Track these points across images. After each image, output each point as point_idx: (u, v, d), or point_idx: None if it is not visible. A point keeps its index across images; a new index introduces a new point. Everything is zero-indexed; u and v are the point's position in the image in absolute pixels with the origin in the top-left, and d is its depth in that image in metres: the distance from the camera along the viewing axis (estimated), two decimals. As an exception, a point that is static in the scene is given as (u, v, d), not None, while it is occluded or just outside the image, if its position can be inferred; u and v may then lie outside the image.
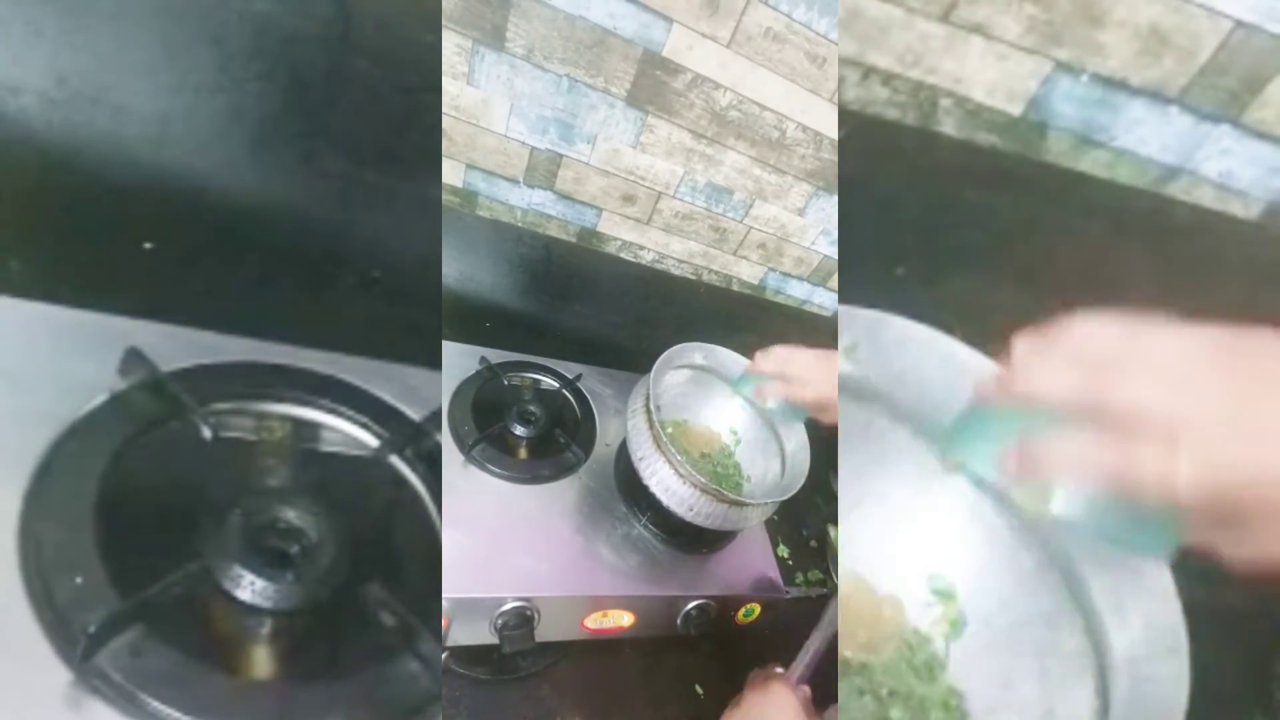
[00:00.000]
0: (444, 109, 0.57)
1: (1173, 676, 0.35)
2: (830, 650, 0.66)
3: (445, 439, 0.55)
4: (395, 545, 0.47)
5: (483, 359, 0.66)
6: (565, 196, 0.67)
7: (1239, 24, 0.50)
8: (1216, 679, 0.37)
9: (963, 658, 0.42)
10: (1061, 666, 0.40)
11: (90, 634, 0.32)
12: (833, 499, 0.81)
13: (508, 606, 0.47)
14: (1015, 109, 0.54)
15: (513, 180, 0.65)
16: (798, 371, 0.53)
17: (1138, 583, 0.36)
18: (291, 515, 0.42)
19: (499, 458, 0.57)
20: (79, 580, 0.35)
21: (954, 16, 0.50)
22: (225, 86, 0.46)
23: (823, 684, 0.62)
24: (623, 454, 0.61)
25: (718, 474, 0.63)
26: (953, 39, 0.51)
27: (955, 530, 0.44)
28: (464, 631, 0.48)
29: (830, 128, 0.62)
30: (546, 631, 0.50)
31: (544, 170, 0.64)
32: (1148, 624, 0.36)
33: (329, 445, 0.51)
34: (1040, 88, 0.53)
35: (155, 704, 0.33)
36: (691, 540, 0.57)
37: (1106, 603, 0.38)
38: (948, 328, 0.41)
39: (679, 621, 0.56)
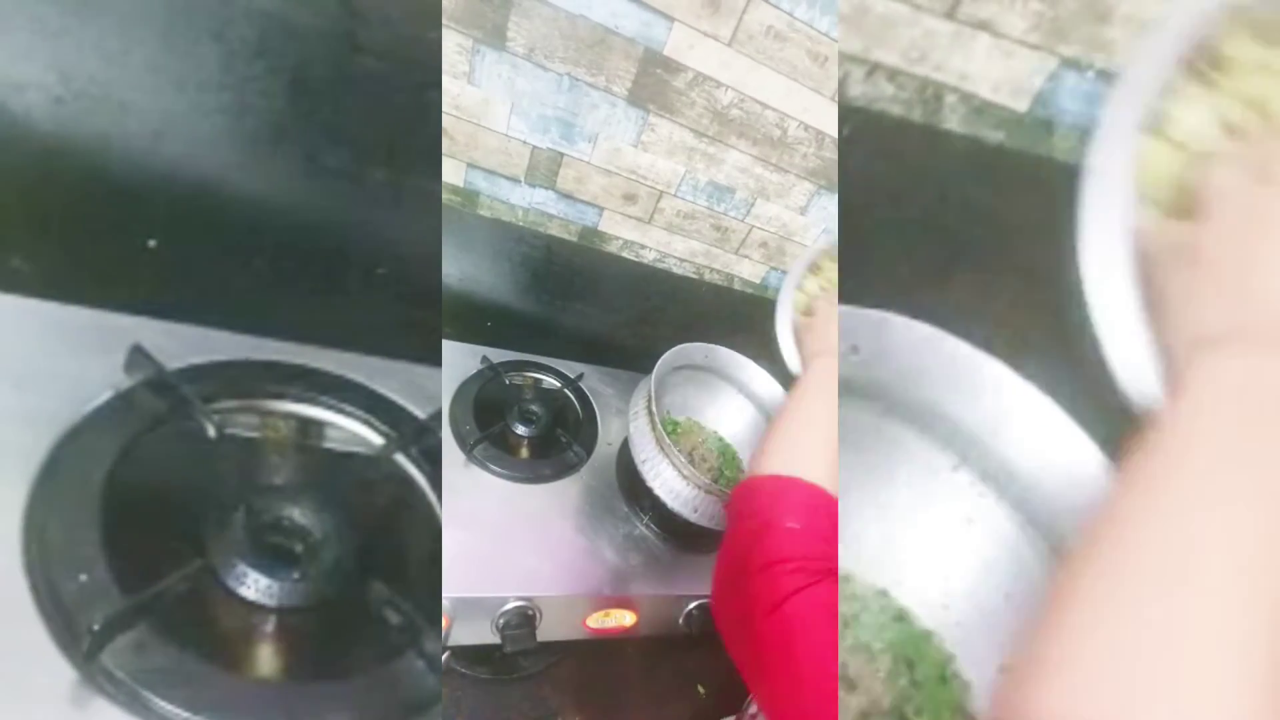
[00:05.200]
0: (445, 108, 0.57)
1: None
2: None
3: (446, 438, 0.55)
4: (400, 543, 0.47)
5: (484, 358, 0.66)
6: (566, 195, 0.66)
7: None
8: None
9: (968, 650, 0.42)
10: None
11: (95, 631, 0.32)
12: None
13: (509, 606, 0.47)
14: (1021, 105, 0.53)
15: (514, 179, 0.64)
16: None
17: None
18: (296, 513, 0.43)
19: (500, 457, 0.57)
20: (84, 578, 0.35)
21: (960, 13, 0.49)
22: (229, 84, 0.46)
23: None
24: (624, 454, 0.61)
25: (721, 474, 0.63)
26: (958, 35, 0.50)
27: (957, 526, 0.44)
28: (466, 631, 0.48)
29: (832, 126, 0.61)
30: (548, 631, 0.50)
31: (545, 169, 0.64)
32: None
33: (333, 443, 0.51)
34: (1046, 84, 0.52)
35: (159, 702, 0.33)
36: (693, 540, 0.57)
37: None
38: (952, 326, 0.41)
39: (681, 621, 0.56)
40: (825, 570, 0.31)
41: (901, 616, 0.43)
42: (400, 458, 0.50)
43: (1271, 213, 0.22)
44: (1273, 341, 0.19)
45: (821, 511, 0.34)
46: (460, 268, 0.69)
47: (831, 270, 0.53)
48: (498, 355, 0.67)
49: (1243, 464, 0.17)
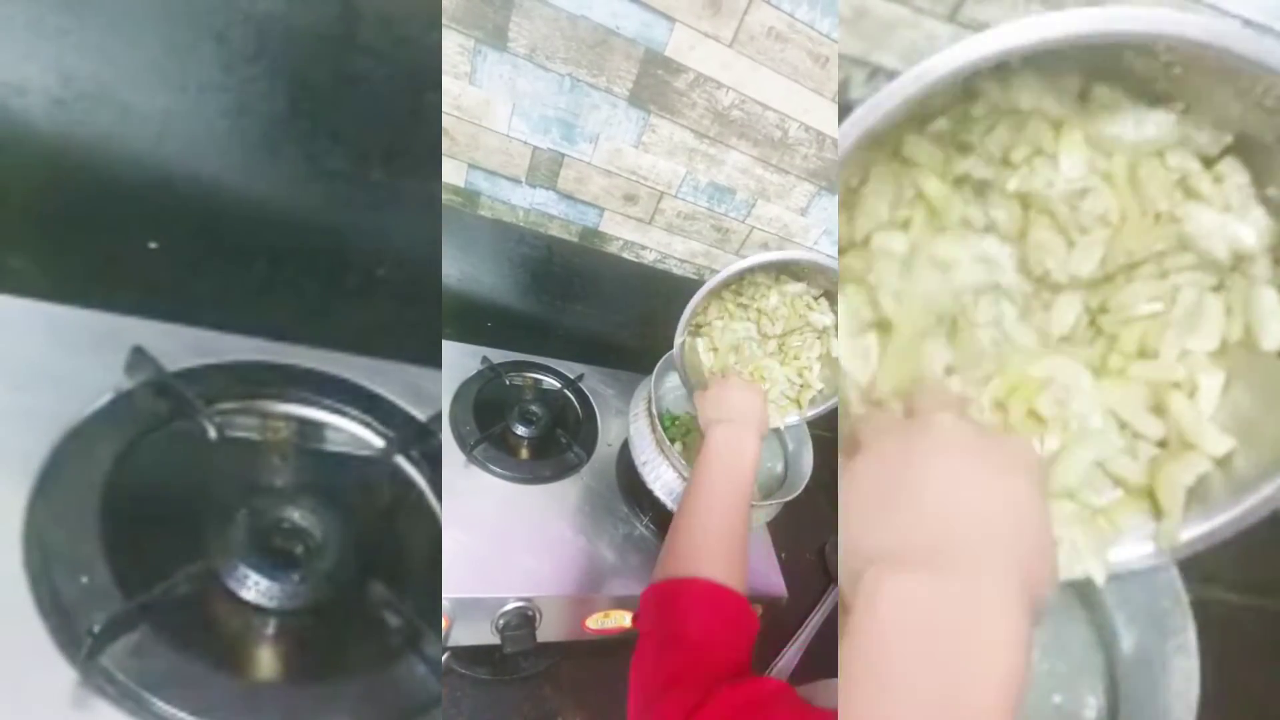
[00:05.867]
0: (446, 108, 0.57)
1: (1182, 674, 0.35)
2: (827, 635, 0.66)
3: (446, 439, 0.55)
4: (400, 545, 0.47)
5: (484, 359, 0.66)
6: (567, 196, 0.66)
7: (1247, 23, 0.50)
8: (1222, 679, 0.37)
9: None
10: (1069, 664, 0.40)
11: (95, 634, 0.32)
12: (835, 501, 0.81)
13: (509, 607, 0.47)
14: (1021, 109, 0.53)
15: (515, 180, 0.64)
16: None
17: (1145, 581, 0.36)
18: (296, 515, 0.43)
19: (500, 458, 0.57)
20: (84, 580, 0.35)
21: (961, 15, 0.49)
22: (230, 85, 0.46)
23: (820, 663, 0.62)
24: (624, 454, 0.61)
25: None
26: (959, 39, 0.50)
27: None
28: (465, 631, 0.48)
29: (833, 127, 0.61)
30: (548, 632, 0.50)
31: (546, 170, 0.64)
32: (1156, 622, 0.36)
33: (334, 445, 0.51)
34: (1046, 87, 0.52)
35: (160, 704, 0.33)
36: (693, 541, 0.57)
37: (1114, 600, 0.38)
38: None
39: (681, 622, 0.56)
40: (721, 676, 0.31)
41: None
42: (400, 459, 0.51)
43: (915, 444, 0.25)
44: (926, 562, 0.21)
45: (720, 613, 0.35)
46: (461, 268, 0.69)
47: (717, 329, 0.55)
48: (498, 356, 0.67)
49: (899, 685, 0.20)
